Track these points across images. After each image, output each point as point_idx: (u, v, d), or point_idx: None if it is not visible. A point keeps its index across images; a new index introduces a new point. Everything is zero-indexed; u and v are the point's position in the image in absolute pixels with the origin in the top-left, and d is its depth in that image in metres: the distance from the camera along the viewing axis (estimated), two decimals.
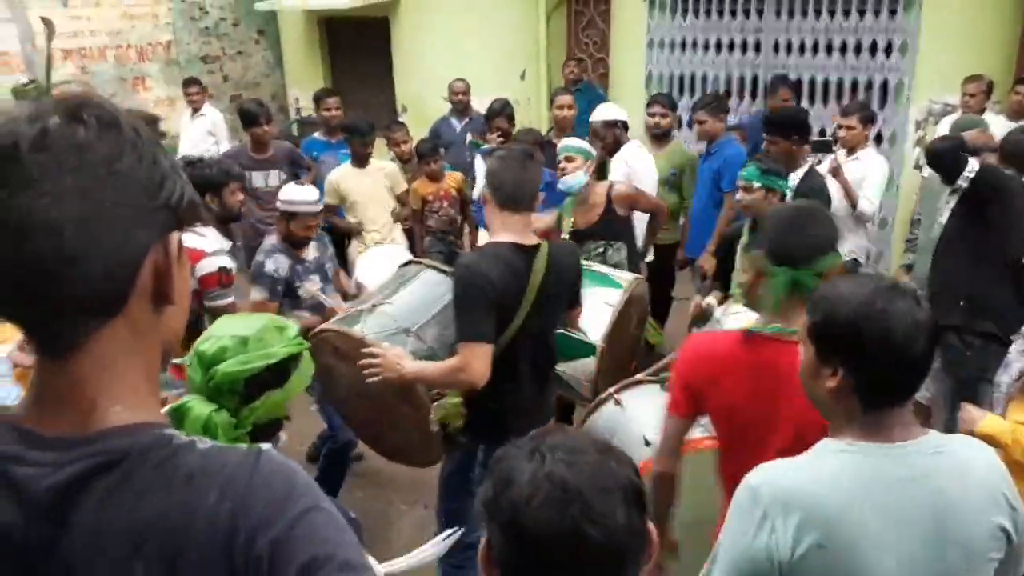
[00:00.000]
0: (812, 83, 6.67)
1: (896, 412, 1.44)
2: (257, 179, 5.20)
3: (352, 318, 2.89)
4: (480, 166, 5.38)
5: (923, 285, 3.81)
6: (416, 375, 2.54)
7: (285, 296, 3.58)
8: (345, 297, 3.93)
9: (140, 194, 0.80)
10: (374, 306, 2.89)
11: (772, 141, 4.33)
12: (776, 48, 6.80)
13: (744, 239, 3.57)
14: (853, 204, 4.51)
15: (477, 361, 2.45)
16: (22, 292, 0.77)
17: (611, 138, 4.75)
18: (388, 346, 2.62)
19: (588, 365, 3.21)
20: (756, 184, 3.50)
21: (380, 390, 2.63)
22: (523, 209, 2.62)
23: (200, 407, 1.56)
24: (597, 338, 3.19)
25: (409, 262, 3.29)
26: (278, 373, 1.61)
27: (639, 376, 2.96)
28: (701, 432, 2.65)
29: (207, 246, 3.28)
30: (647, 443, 2.64)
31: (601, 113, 4.89)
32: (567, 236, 3.98)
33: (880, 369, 1.41)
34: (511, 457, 1.06)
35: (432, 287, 2.88)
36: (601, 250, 3.97)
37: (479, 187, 5.18)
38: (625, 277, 3.47)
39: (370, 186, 5.03)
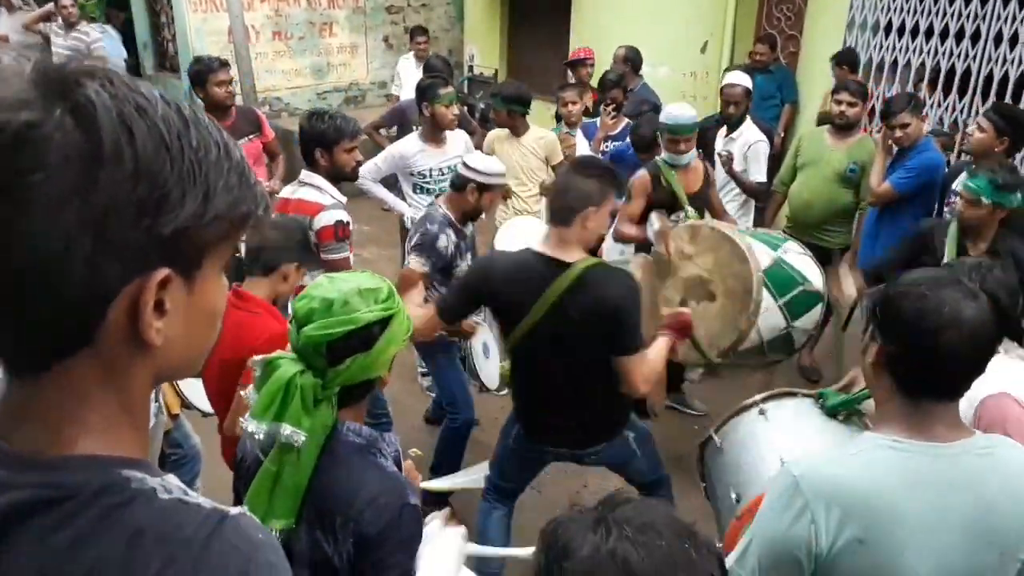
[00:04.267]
0: None
1: (941, 409, 1.42)
2: None
3: None
4: (582, 142, 5.11)
5: None
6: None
7: (439, 271, 3.48)
8: None
9: (113, 219, 0.65)
10: None
11: (980, 127, 3.84)
12: (998, 39, 6.00)
13: (952, 249, 3.17)
14: None
15: (424, 313, 2.78)
16: None
17: (745, 107, 4.77)
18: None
19: (815, 315, 3.36)
20: (985, 200, 3.04)
21: None
22: (557, 223, 2.51)
23: (288, 367, 1.56)
24: (820, 285, 3.33)
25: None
26: (362, 338, 1.56)
27: (796, 389, 2.69)
28: None
29: (324, 200, 3.27)
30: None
31: (739, 79, 4.81)
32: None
33: (912, 354, 1.39)
34: (572, 523, 0.90)
35: None
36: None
37: None
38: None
39: (521, 157, 4.83)
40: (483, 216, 3.66)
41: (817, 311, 3.34)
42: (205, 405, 2.98)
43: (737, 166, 4.69)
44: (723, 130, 4.88)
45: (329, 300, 1.56)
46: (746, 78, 4.84)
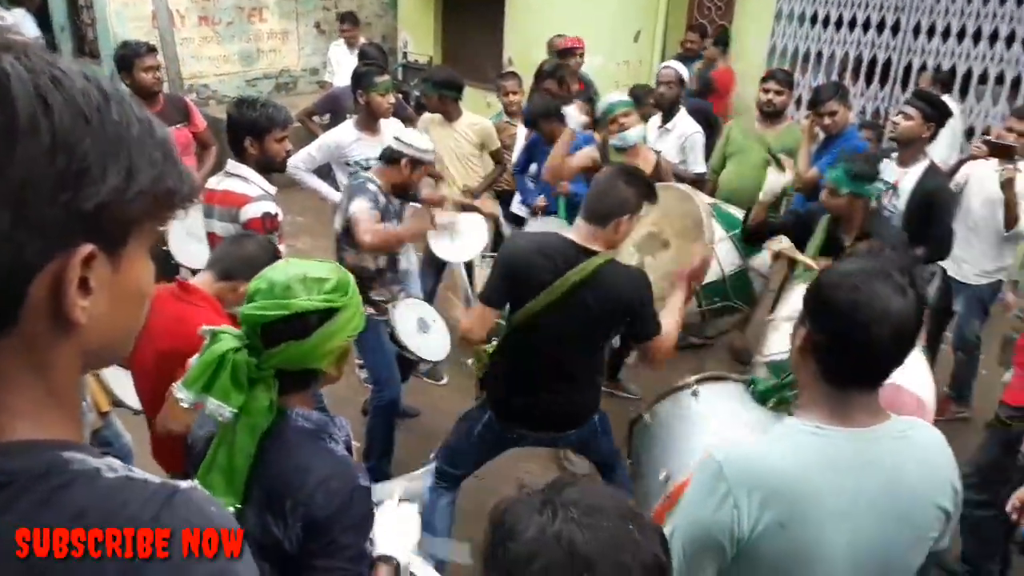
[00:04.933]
0: (952, 73, 6.10)
1: (863, 397, 1.45)
2: None
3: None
4: (523, 131, 5.09)
5: None
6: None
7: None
8: None
9: (31, 193, 0.63)
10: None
11: (906, 115, 3.90)
12: (917, 31, 6.24)
13: (820, 236, 3.33)
14: (1013, 221, 3.87)
15: (473, 316, 2.72)
16: None
17: (676, 95, 4.81)
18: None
19: (766, 259, 3.50)
20: (843, 190, 3.21)
21: None
22: (591, 221, 2.59)
23: (227, 341, 1.56)
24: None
25: None
26: (297, 326, 1.54)
27: (729, 373, 2.77)
28: None
29: (251, 191, 3.18)
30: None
31: (673, 65, 4.90)
32: None
33: (841, 344, 1.41)
34: (518, 504, 0.92)
35: None
36: None
37: (516, 153, 4.98)
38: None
39: (454, 143, 4.80)
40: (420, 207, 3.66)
41: (765, 254, 3.48)
42: (136, 402, 2.89)
43: (674, 158, 4.74)
44: (657, 120, 4.94)
45: (273, 283, 1.56)
46: (681, 66, 4.94)
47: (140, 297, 0.78)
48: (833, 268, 1.51)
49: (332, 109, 5.39)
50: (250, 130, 3.17)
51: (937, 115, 3.88)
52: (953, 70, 6.07)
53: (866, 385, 1.45)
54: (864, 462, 1.42)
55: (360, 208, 3.33)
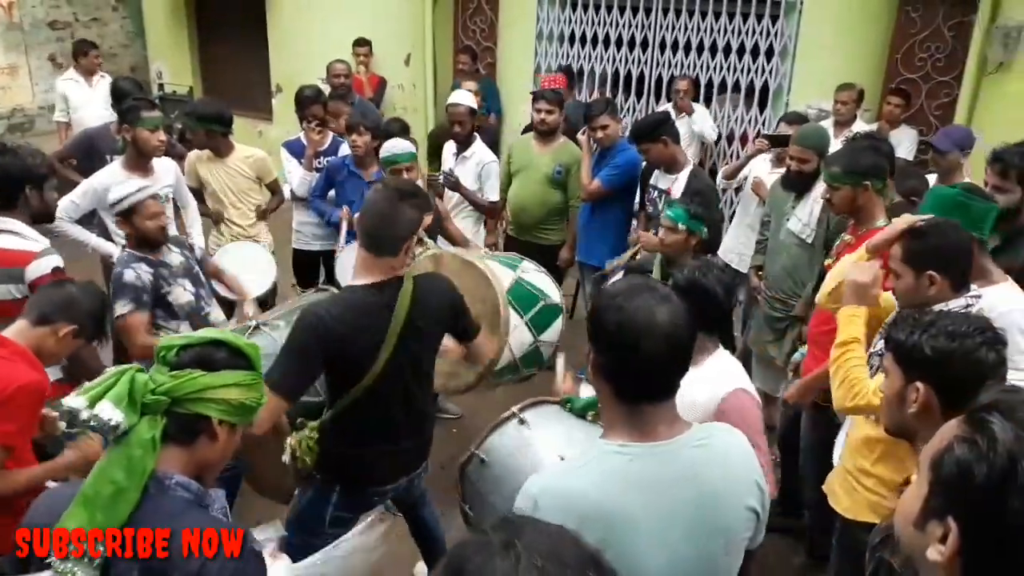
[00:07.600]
0: (695, 83, 6.71)
1: (658, 410, 1.47)
2: None
3: (243, 329, 3.00)
4: (290, 161, 4.98)
5: (773, 286, 3.95)
6: None
7: (156, 307, 3.24)
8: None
9: None
10: (264, 324, 3.03)
11: (646, 150, 4.33)
12: (663, 46, 6.80)
13: (657, 272, 3.52)
14: None
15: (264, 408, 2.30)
16: None
17: (471, 127, 4.84)
18: None
19: (557, 327, 3.47)
20: (681, 226, 3.39)
21: None
22: (384, 254, 2.42)
23: (141, 374, 1.53)
24: (558, 299, 3.51)
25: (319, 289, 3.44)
26: (211, 356, 1.57)
27: (546, 397, 2.79)
28: None
29: (32, 246, 2.90)
30: (563, 460, 2.49)
31: (462, 98, 4.87)
32: None
33: (616, 359, 1.45)
34: (480, 550, 0.88)
35: None
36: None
37: (290, 185, 4.91)
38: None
39: (228, 179, 4.57)
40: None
41: (559, 323, 3.52)
42: None
43: (472, 185, 4.81)
44: (453, 148, 4.97)
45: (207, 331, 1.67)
46: (469, 96, 4.92)
47: None
48: (603, 291, 1.56)
49: (86, 152, 4.88)
50: (29, 179, 2.92)
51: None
52: (697, 80, 6.68)
53: (657, 397, 1.48)
54: (670, 474, 1.45)
55: (122, 312, 3.12)
